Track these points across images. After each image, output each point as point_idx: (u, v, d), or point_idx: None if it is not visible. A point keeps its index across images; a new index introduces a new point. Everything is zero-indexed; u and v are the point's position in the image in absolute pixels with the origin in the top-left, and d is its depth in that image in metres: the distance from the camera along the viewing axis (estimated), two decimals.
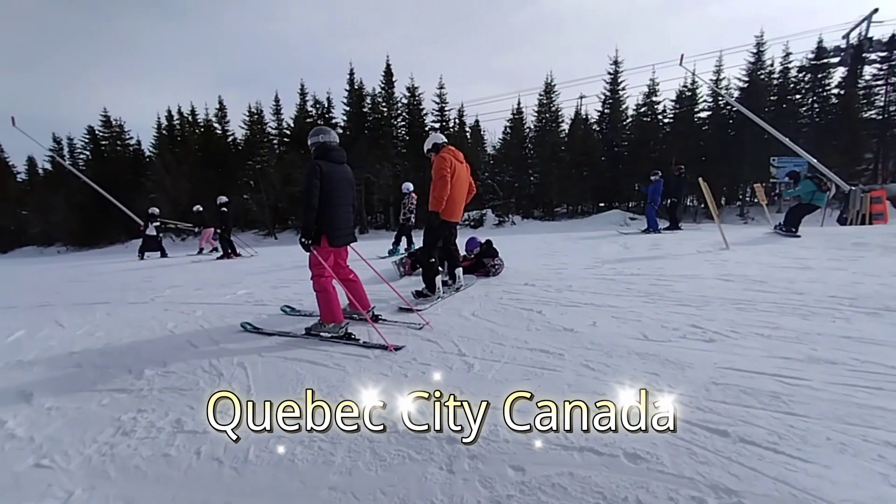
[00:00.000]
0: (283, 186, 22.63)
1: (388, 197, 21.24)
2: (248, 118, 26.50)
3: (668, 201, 10.12)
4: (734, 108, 20.31)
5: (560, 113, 23.57)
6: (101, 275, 8.47)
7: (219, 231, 10.74)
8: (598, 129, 23.77)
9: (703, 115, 22.61)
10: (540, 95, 23.20)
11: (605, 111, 23.55)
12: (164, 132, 28.54)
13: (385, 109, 23.40)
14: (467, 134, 26.08)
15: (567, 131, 23.97)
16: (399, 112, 23.45)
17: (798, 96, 21.49)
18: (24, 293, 6.54)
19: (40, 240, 29.23)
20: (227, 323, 3.78)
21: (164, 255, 11.97)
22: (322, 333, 3.22)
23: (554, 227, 17.21)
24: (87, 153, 30.41)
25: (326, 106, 24.74)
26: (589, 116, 24.09)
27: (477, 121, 28.22)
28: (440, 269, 4.26)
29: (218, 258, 10.31)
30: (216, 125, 27.70)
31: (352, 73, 23.42)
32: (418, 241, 8.74)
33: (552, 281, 4.63)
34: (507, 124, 24.65)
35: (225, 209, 10.34)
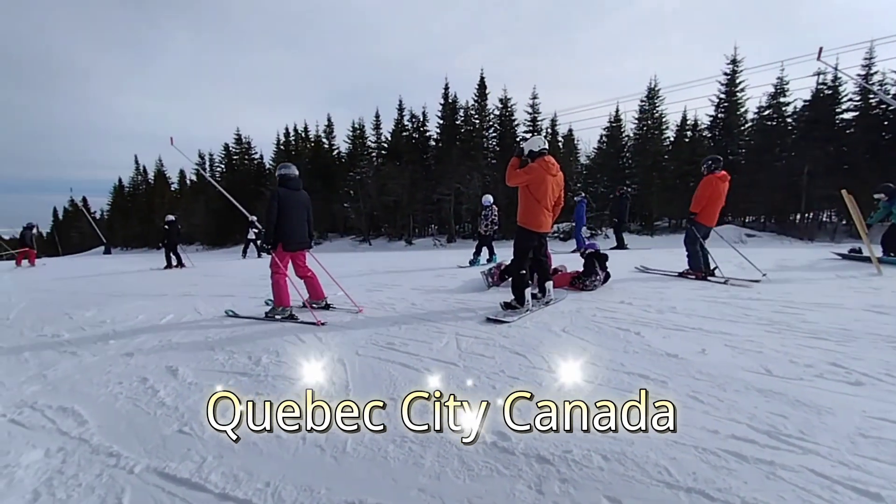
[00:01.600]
0: (378, 196, 24.12)
1: (475, 207, 21.49)
2: (351, 133, 28.87)
3: (613, 221, 10.03)
4: (891, 108, 17.01)
5: (664, 119, 21.83)
6: (227, 268, 9.80)
7: (162, 244, 11.66)
8: (709, 135, 21.54)
9: (847, 116, 19.26)
10: (641, 101, 21.73)
11: (719, 115, 21.26)
12: (281, 147, 32.28)
13: (477, 121, 23.81)
14: (560, 144, 25.41)
15: (672, 139, 22.10)
16: (491, 123, 23.69)
17: None
18: (172, 284, 7.81)
19: (184, 239, 34.71)
20: (329, 320, 4.11)
21: (258, 256, 14.46)
22: (276, 316, 4.27)
23: (653, 241, 15.91)
24: (222, 166, 35.59)
25: (421, 120, 25.93)
26: (699, 122, 21.96)
27: (570, 130, 27.41)
28: (530, 281, 4.18)
29: (164, 268, 11.03)
30: (324, 140, 30.62)
31: (446, 88, 24.30)
32: (499, 253, 8.79)
33: (652, 300, 4.28)
34: (604, 133, 23.51)
35: (167, 227, 11.37)
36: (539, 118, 23.19)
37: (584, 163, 25.51)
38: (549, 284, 4.36)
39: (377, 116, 27.83)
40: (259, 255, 14.78)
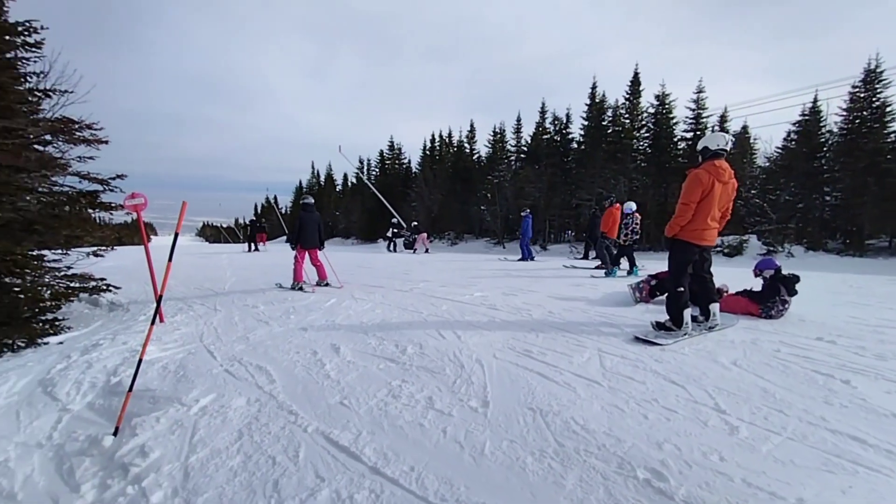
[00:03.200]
0: (515, 199, 24.11)
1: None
2: (491, 137, 29.49)
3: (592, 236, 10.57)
4: None
5: (888, 109, 16.84)
6: (376, 261, 10.94)
7: (246, 236, 18.70)
8: None
9: None
10: (854, 87, 17.11)
11: None
12: (427, 153, 34.74)
13: (627, 121, 21.93)
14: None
15: None
16: (643, 122, 21.56)
17: None
18: (331, 274, 9.04)
19: (344, 234, 40.04)
20: (467, 320, 4.24)
21: (393, 250, 18.12)
22: (294, 288, 6.50)
23: (864, 265, 12.42)
24: (377, 170, 39.97)
25: (564, 122, 25.04)
26: None
27: (744, 127, 23.25)
28: (689, 301, 3.64)
29: (246, 251, 17.19)
30: (466, 145, 31.93)
31: (593, 87, 22.95)
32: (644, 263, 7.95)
33: (867, 342, 3.33)
34: (792, 129, 19.27)
35: (248, 225, 18.90)
36: (704, 115, 20.22)
37: (763, 165, 21.36)
38: (716, 307, 3.73)
39: (518, 120, 27.84)
40: (395, 250, 18.13)
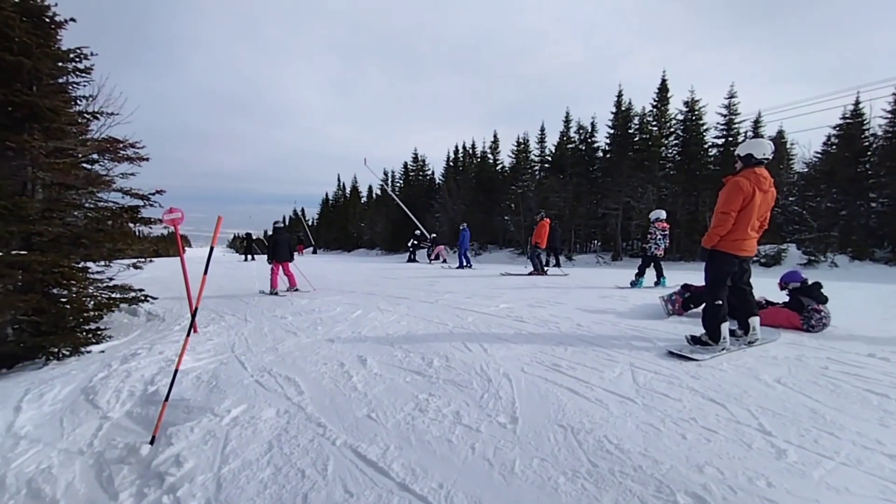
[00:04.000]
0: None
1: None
2: (515, 148, 29.45)
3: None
4: None
5: None
6: (401, 271, 11.01)
7: (244, 248, 20.46)
8: None
9: None
10: None
11: None
12: (450, 164, 34.97)
13: (655, 128, 21.48)
14: None
15: None
16: (672, 130, 21.05)
17: None
18: (359, 283, 9.16)
19: (368, 244, 40.60)
20: (493, 332, 4.19)
21: (413, 260, 18.67)
22: (271, 293, 7.63)
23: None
24: (401, 182, 40.47)
25: (589, 131, 24.76)
26: None
27: (780, 132, 22.38)
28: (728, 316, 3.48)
29: (242, 261, 19.45)
30: (489, 156, 31.99)
31: (619, 95, 22.62)
32: (671, 275, 7.68)
33: None
34: (833, 132, 18.43)
35: (245, 238, 20.22)
36: (736, 120, 19.59)
37: (802, 171, 20.44)
38: (755, 321, 3.56)
39: (542, 129, 27.73)
40: (415, 259, 18.62)
